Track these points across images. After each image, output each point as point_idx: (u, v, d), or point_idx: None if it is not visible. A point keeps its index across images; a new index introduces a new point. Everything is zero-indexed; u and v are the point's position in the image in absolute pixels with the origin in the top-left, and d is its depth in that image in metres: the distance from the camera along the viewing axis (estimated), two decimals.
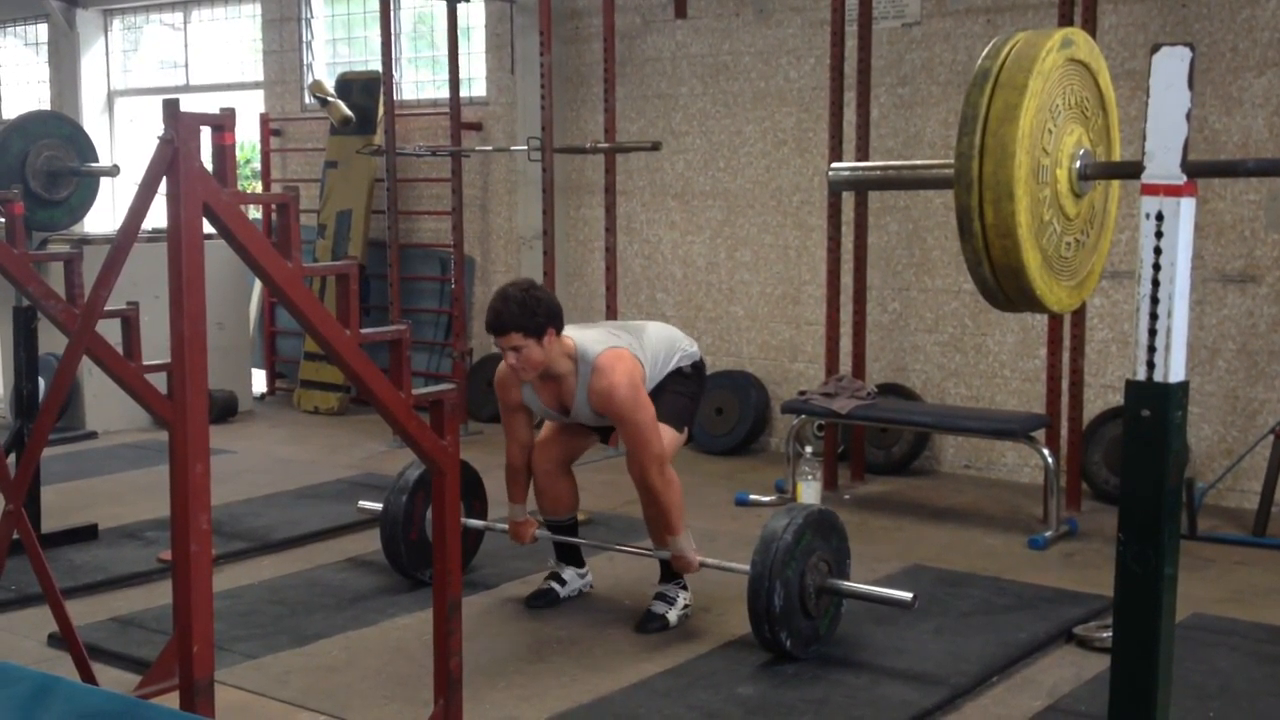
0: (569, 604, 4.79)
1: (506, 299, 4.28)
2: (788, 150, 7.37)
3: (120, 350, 3.45)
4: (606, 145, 7.25)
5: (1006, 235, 2.49)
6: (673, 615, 4.56)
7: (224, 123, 2.85)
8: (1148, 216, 2.43)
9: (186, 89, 10.48)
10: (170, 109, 2.71)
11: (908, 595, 4.25)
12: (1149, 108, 2.41)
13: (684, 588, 4.63)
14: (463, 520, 4.67)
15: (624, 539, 5.44)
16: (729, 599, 4.62)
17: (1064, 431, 6.10)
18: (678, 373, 4.65)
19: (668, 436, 4.49)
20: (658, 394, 4.53)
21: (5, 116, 11.26)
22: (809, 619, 4.21)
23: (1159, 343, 2.44)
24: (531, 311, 4.26)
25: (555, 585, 4.82)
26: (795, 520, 4.20)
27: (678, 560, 4.46)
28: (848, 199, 6.58)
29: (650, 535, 4.66)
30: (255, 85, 10.00)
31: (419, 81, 9.21)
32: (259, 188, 9.59)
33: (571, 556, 4.87)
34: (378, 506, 5.17)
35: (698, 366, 4.73)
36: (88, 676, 3.53)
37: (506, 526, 4.83)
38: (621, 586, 4.95)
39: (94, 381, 7.61)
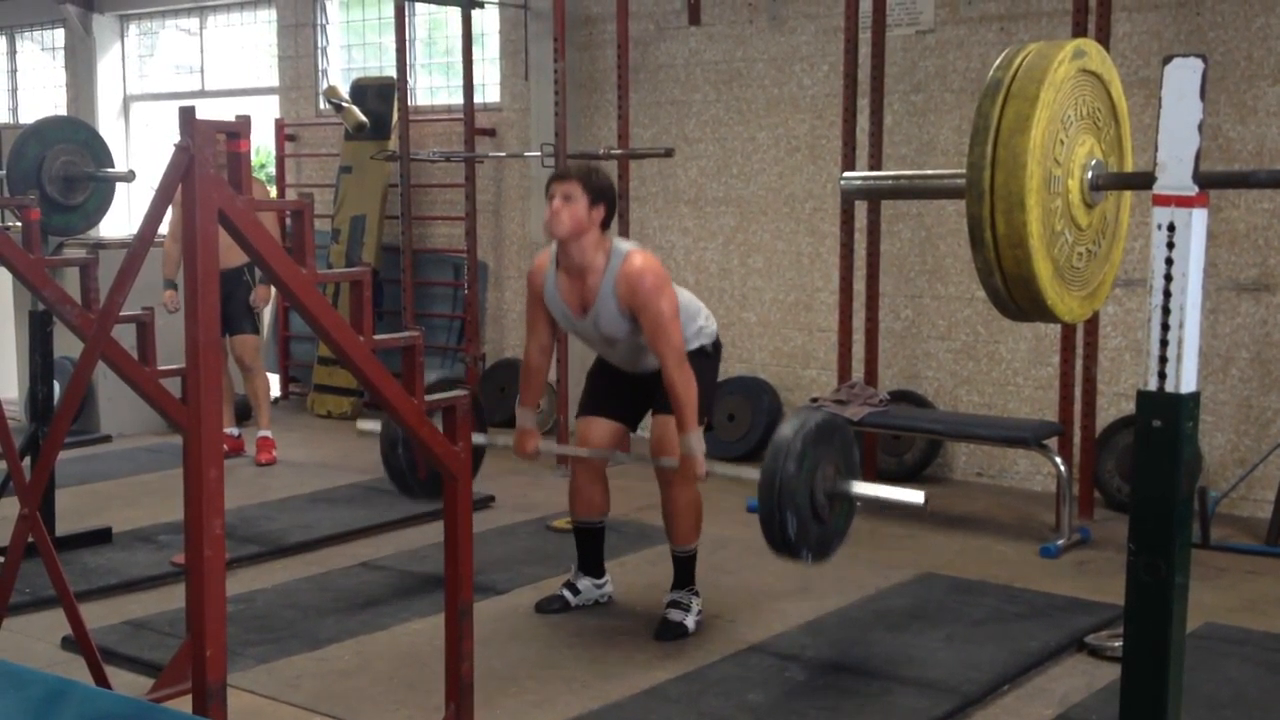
0: (580, 610, 4.80)
1: (583, 163, 4.69)
2: (801, 157, 7.38)
3: (135, 355, 3.46)
4: (620, 151, 7.27)
5: (1018, 245, 2.49)
6: (690, 621, 4.56)
7: (239, 130, 2.87)
8: (1159, 227, 2.44)
9: (202, 94, 10.51)
10: (186, 116, 2.73)
11: (919, 495, 4.07)
12: (1161, 118, 2.42)
13: (696, 594, 4.63)
14: None
15: (636, 545, 5.46)
16: (740, 606, 4.63)
17: (1077, 439, 6.09)
18: (700, 352, 4.56)
19: None
20: None
21: (22, 121, 11.32)
22: (821, 524, 4.02)
23: (1170, 353, 2.44)
24: (600, 177, 4.45)
25: (568, 593, 4.82)
26: (805, 427, 3.97)
27: (687, 461, 4.35)
28: (860, 206, 6.58)
29: (667, 532, 4.64)
30: (270, 91, 10.04)
31: (433, 87, 9.23)
32: (274, 193, 9.62)
33: (591, 566, 4.86)
34: (376, 425, 5.07)
35: (717, 346, 4.70)
36: (101, 680, 3.54)
37: (511, 442, 4.74)
38: (633, 593, 4.95)
39: (109, 385, 7.65)
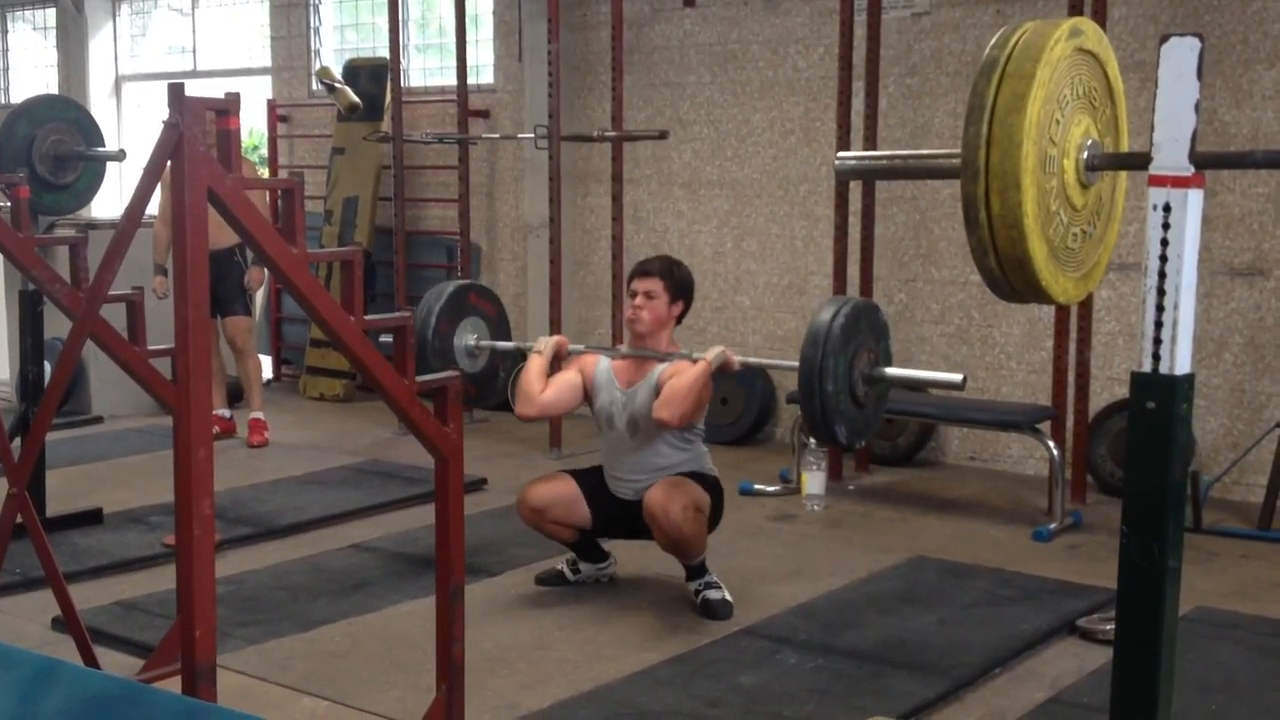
0: (571, 593, 4.79)
1: (664, 256, 4.78)
2: (795, 140, 7.36)
3: (125, 334, 3.45)
4: (614, 134, 7.24)
5: (1013, 225, 2.48)
6: (728, 595, 4.57)
7: (229, 107, 2.85)
8: (1155, 208, 2.42)
9: (194, 74, 10.47)
10: (175, 93, 2.71)
11: (957, 376, 4.02)
12: (1157, 98, 2.40)
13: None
14: (493, 343, 4.80)
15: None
16: (732, 589, 4.63)
17: (1069, 423, 6.09)
18: (718, 481, 4.72)
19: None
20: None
21: (13, 101, 11.27)
22: (863, 409, 4.01)
23: (1165, 335, 2.43)
24: (681, 273, 4.64)
25: (566, 570, 4.84)
26: (834, 324, 3.88)
27: (727, 363, 4.46)
28: (855, 189, 6.56)
29: (676, 553, 4.60)
30: (263, 71, 9.99)
31: (426, 68, 9.19)
32: (266, 173, 9.58)
33: (590, 555, 4.86)
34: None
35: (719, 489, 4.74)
36: (90, 660, 3.53)
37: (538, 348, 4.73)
38: (623, 575, 4.95)
39: (99, 366, 7.62)
